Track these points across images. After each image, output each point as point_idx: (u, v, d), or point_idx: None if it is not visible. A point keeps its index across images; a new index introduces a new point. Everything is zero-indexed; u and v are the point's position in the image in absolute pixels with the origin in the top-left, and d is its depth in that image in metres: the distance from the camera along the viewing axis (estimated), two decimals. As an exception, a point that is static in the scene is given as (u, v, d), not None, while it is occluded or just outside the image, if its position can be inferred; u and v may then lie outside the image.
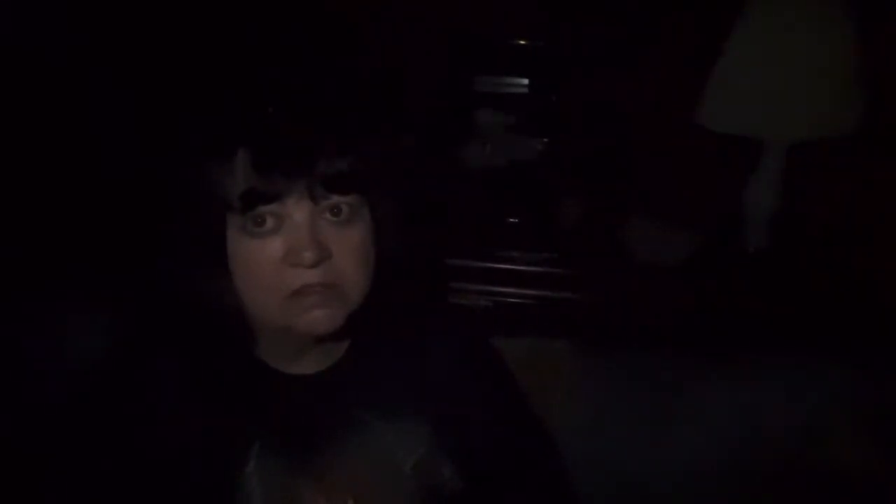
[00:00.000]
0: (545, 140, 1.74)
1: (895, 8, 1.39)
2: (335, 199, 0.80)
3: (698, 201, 1.59)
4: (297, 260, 0.77)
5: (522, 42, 1.68)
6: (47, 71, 1.40)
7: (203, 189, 0.79)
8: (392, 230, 0.86)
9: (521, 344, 1.23)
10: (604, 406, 1.24)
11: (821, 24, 1.32)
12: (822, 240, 1.53)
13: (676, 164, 1.61)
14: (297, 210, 0.78)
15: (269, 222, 0.78)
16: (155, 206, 0.84)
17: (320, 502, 0.85)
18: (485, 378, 0.99)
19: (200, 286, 0.81)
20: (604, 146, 1.67)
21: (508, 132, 1.76)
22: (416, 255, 0.92)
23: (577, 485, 1.11)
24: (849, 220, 1.55)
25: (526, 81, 1.71)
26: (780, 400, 1.19)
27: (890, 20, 1.40)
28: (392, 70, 1.55)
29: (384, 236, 0.86)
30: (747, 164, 1.50)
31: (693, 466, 1.19)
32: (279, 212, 0.78)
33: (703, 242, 1.57)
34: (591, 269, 1.53)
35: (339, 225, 0.81)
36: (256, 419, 0.85)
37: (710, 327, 1.39)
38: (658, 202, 1.65)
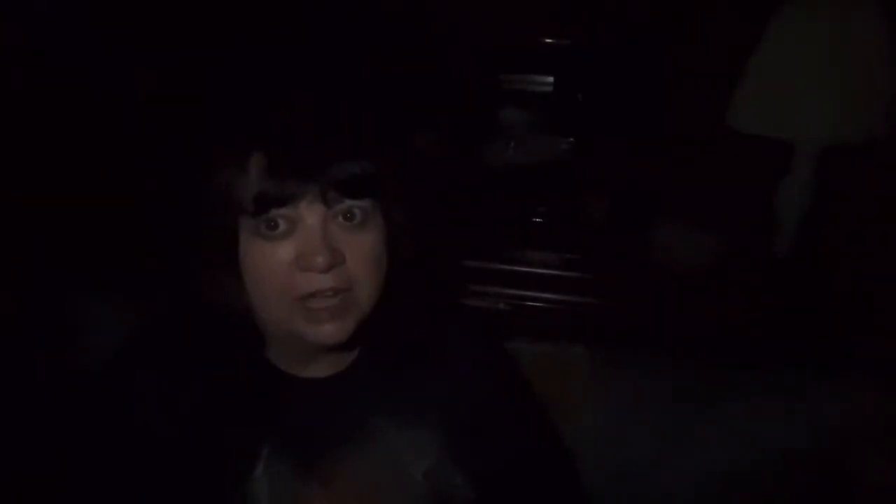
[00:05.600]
0: (570, 139, 1.72)
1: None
2: (348, 203, 0.79)
3: (726, 204, 1.56)
4: (308, 264, 0.77)
5: (548, 41, 1.66)
6: (68, 76, 1.41)
7: (216, 191, 0.79)
8: (406, 235, 0.85)
9: (541, 348, 1.23)
10: (623, 413, 1.23)
11: (853, 28, 1.29)
12: (853, 246, 1.49)
13: (705, 166, 1.58)
14: (310, 214, 0.78)
15: (282, 226, 0.78)
16: (168, 207, 0.84)
17: None
18: (499, 385, 0.98)
19: (212, 288, 0.81)
20: (630, 146, 1.65)
21: (533, 131, 1.74)
22: (431, 259, 0.90)
23: (595, 491, 1.10)
24: (881, 226, 1.50)
25: (551, 80, 1.70)
26: (804, 410, 1.17)
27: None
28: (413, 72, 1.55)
29: (398, 241, 0.85)
30: (777, 167, 1.46)
31: (712, 476, 1.17)
32: (292, 215, 0.78)
33: (731, 247, 1.54)
34: (614, 272, 1.51)
35: (352, 230, 0.80)
36: (266, 422, 0.85)
37: (735, 334, 1.36)
38: (685, 205, 1.62)
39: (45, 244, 1.37)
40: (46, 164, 1.44)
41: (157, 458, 0.82)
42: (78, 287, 1.21)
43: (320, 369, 0.90)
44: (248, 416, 0.85)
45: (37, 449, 0.97)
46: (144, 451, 0.83)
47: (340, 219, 0.79)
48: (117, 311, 1.11)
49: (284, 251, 0.78)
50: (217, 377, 0.85)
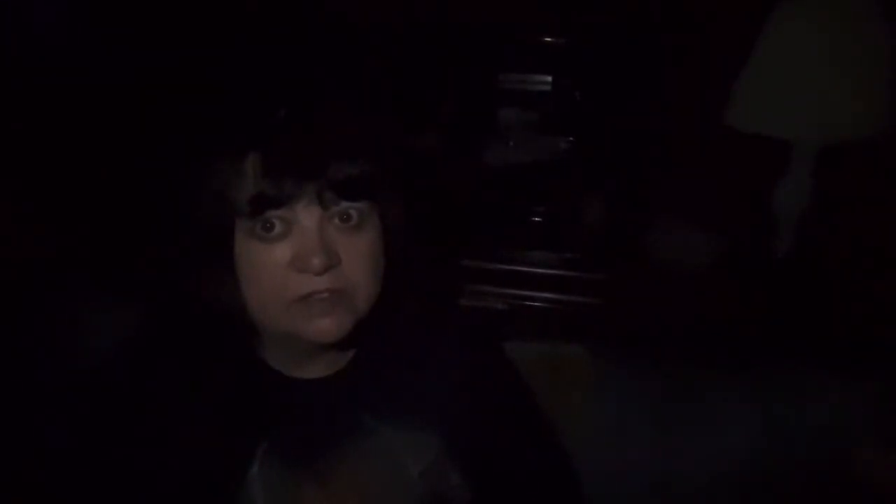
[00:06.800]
0: (569, 139, 1.72)
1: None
2: (345, 205, 0.79)
3: (725, 204, 1.55)
4: (304, 266, 0.77)
5: (546, 40, 1.66)
6: (64, 76, 1.41)
7: (212, 192, 0.78)
8: (403, 236, 0.85)
9: (540, 348, 1.22)
10: (622, 412, 1.23)
11: (853, 25, 1.28)
12: (851, 245, 1.49)
13: (703, 165, 1.58)
14: (306, 215, 0.78)
15: (278, 227, 0.78)
16: (164, 208, 0.84)
17: None
18: (495, 385, 0.97)
19: (208, 289, 0.81)
20: (628, 146, 1.65)
21: (532, 130, 1.74)
22: (428, 259, 0.90)
23: (594, 491, 1.10)
24: (879, 225, 1.50)
25: (550, 79, 1.69)
26: (802, 407, 1.17)
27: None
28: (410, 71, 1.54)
29: (394, 242, 0.85)
30: (776, 166, 1.46)
31: (711, 474, 1.17)
32: (288, 217, 0.77)
33: (729, 246, 1.54)
34: (612, 272, 1.50)
35: (349, 231, 0.80)
36: (262, 423, 0.85)
37: (734, 333, 1.36)
38: (684, 203, 1.62)
39: (45, 244, 1.37)
40: (45, 164, 1.44)
41: (153, 458, 0.82)
42: (76, 288, 1.21)
43: (317, 370, 0.89)
44: (245, 417, 0.85)
45: (35, 449, 0.97)
46: (141, 450, 0.82)
47: (337, 220, 0.79)
48: (115, 312, 1.11)
49: (280, 253, 0.78)
50: (213, 378, 0.84)
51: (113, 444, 0.83)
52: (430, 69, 1.64)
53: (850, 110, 1.32)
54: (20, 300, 1.19)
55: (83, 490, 0.84)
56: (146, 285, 0.90)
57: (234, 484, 0.82)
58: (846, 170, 1.45)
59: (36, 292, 1.20)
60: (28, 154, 1.41)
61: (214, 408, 0.84)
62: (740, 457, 1.16)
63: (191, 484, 0.82)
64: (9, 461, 1.05)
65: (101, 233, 1.39)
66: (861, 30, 1.28)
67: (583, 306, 1.47)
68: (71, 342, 1.13)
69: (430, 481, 0.89)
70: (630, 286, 1.47)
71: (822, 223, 1.46)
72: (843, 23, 1.28)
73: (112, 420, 0.84)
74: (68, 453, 0.87)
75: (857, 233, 1.49)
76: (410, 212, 0.86)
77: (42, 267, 1.28)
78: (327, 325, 0.79)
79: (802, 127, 1.35)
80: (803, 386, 1.18)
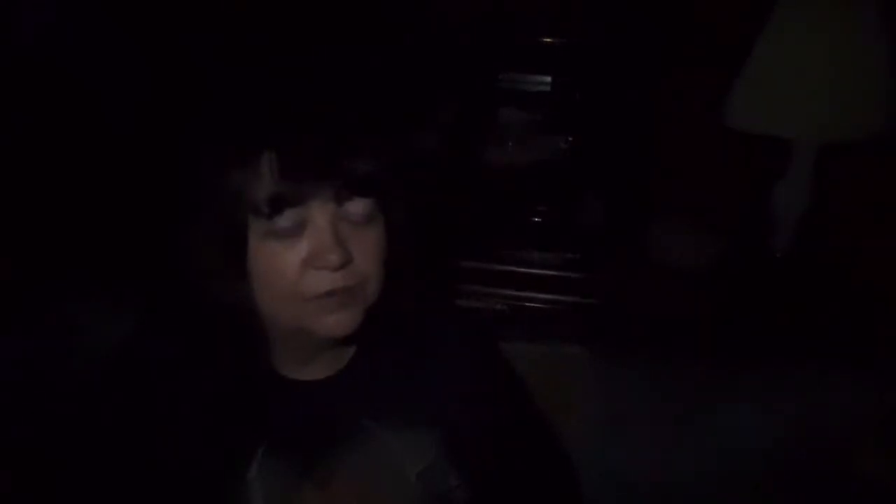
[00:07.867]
0: (569, 139, 1.72)
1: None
2: (357, 201, 0.79)
3: (725, 203, 1.56)
4: (321, 263, 0.77)
5: (547, 40, 1.66)
6: (73, 75, 1.41)
7: (227, 192, 0.78)
8: (405, 233, 0.85)
9: (540, 349, 1.22)
10: (622, 413, 1.23)
11: (851, 25, 1.28)
12: (851, 245, 1.49)
13: (703, 165, 1.58)
14: (321, 213, 0.77)
15: (293, 225, 0.77)
16: (178, 207, 0.83)
17: None
18: (494, 386, 0.98)
19: (219, 288, 0.80)
20: (628, 146, 1.65)
21: (532, 131, 1.74)
22: (427, 257, 0.90)
23: (593, 492, 1.10)
24: (879, 224, 1.50)
25: (549, 79, 1.69)
26: (802, 408, 1.17)
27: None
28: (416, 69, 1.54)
29: (396, 240, 0.85)
30: (775, 165, 1.46)
31: (711, 475, 1.17)
32: (302, 215, 0.77)
33: (729, 246, 1.54)
34: (613, 272, 1.50)
35: (359, 227, 0.80)
36: (261, 423, 0.85)
37: (734, 333, 1.36)
38: (683, 204, 1.62)
39: (49, 244, 1.37)
40: (53, 163, 1.44)
41: (152, 459, 0.82)
42: (80, 288, 1.21)
43: (317, 371, 0.89)
44: (243, 417, 0.85)
45: (36, 449, 0.97)
46: (140, 451, 0.83)
47: (348, 216, 0.79)
48: (117, 311, 1.11)
49: (295, 251, 0.77)
50: (213, 379, 0.84)
51: (112, 444, 0.84)
52: (430, 69, 1.64)
53: (850, 110, 1.32)
54: (23, 300, 1.19)
55: (83, 490, 0.85)
56: (151, 285, 0.90)
57: (233, 485, 0.82)
58: (846, 170, 1.45)
59: (39, 290, 1.21)
60: (35, 153, 1.41)
61: (214, 409, 0.84)
62: (740, 455, 1.16)
63: (190, 485, 0.82)
64: (9, 462, 1.05)
65: (114, 231, 1.39)
66: (861, 30, 1.28)
67: (582, 307, 1.47)
68: (72, 342, 1.13)
69: (429, 482, 0.89)
70: (630, 286, 1.47)
71: (822, 223, 1.46)
72: (842, 23, 1.28)
73: (112, 420, 0.84)
74: (68, 454, 0.87)
75: (857, 233, 1.49)
76: (412, 209, 0.86)
77: (46, 266, 1.29)
78: (342, 320, 0.80)
79: (802, 127, 1.35)
80: (803, 385, 1.18)
